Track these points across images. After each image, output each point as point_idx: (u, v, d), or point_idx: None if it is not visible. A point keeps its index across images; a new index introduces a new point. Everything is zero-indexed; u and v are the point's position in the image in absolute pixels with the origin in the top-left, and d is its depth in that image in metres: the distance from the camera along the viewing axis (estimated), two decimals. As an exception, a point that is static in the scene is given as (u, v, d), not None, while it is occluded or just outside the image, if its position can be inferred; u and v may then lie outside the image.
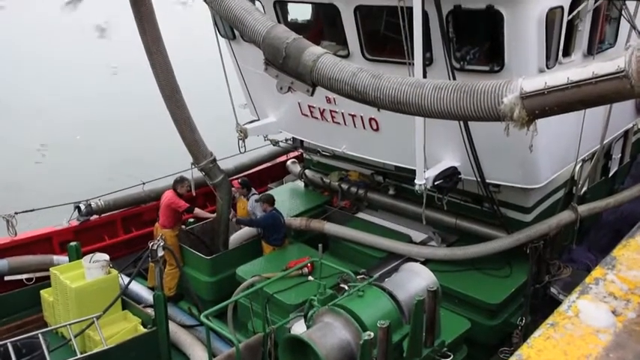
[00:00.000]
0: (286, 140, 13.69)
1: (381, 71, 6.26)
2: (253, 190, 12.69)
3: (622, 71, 4.20)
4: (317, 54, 6.39)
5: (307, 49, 6.46)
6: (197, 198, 13.37)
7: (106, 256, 10.18)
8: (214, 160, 11.60)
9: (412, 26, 8.17)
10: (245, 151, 12.59)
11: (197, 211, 12.42)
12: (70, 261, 10.78)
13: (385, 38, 9.62)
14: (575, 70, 4.59)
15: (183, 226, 12.42)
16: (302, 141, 13.05)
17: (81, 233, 12.86)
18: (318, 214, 12.87)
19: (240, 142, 12.07)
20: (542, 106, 4.62)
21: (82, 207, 12.94)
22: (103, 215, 13.27)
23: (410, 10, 8.16)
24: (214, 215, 12.46)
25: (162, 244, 9.27)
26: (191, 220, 12.82)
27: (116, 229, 13.60)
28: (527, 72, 8.16)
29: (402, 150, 9.87)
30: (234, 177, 14.02)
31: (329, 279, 9.33)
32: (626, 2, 9.83)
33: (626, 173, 13.72)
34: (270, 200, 11.69)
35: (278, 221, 11.56)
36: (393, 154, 10.62)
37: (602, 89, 4.35)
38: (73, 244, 10.90)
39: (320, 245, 9.24)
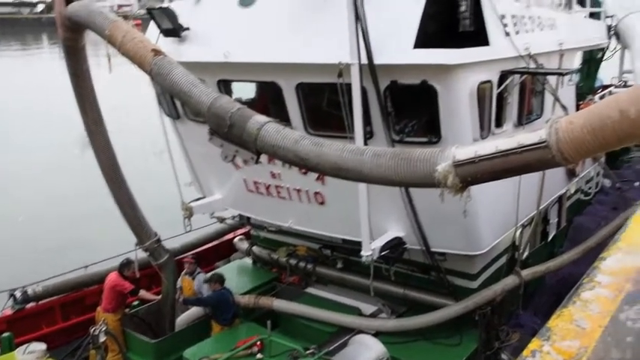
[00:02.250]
0: (233, 217, 13.63)
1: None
2: (199, 269, 12.46)
3: (544, 142, 4.47)
4: (261, 122, 6.52)
5: (252, 117, 6.59)
6: (141, 279, 12.99)
7: (43, 346, 9.65)
8: (159, 240, 11.40)
9: (352, 102, 8.51)
10: (191, 230, 12.42)
11: (142, 292, 12.03)
12: (1, 354, 10.14)
13: (327, 113, 9.92)
14: (503, 140, 4.85)
15: (127, 310, 11.97)
16: (249, 217, 13.01)
17: (15, 323, 12.16)
18: (267, 291, 12.69)
19: (186, 220, 11.94)
20: (473, 173, 4.83)
21: (18, 294, 12.31)
22: (40, 302, 12.66)
23: (349, 86, 8.52)
24: (159, 297, 12.10)
25: (104, 329, 8.91)
26: (135, 302, 12.40)
27: (55, 317, 12.96)
28: (462, 142, 8.47)
29: (347, 223, 9.97)
30: (181, 256, 13.75)
31: (279, 356, 9.10)
32: (547, 77, 10.54)
33: (564, 237, 14.22)
34: (221, 279, 11.52)
35: (227, 300, 11.32)
36: (340, 227, 10.71)
37: (527, 158, 4.60)
38: (5, 335, 10.30)
39: (268, 322, 9.07)
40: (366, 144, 8.59)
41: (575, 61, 16.12)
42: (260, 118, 6.64)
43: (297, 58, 9.12)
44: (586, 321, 3.66)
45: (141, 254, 11.54)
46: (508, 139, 4.83)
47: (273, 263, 13.35)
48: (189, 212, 11.82)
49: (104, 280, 11.96)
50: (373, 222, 9.10)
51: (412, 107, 9.18)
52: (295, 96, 9.82)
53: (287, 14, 9.47)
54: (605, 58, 18.39)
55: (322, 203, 10.51)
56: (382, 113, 8.79)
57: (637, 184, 16.25)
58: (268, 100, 11.33)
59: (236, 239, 14.95)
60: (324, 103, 9.99)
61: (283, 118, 10.36)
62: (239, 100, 11.69)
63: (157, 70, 7.31)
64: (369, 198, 8.87)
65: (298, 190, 10.66)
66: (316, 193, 10.43)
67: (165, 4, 10.75)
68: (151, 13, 10.46)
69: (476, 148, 4.88)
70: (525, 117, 10.62)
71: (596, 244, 11.93)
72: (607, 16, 17.63)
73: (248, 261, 14.23)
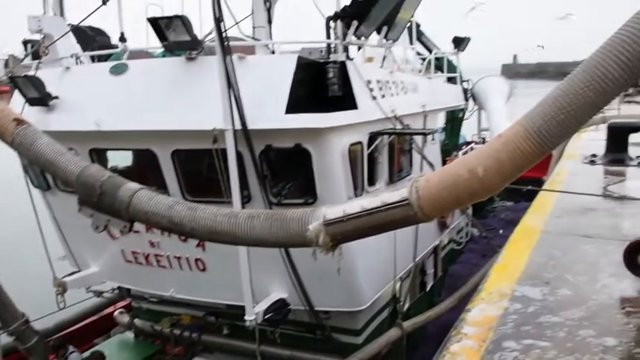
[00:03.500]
0: (112, 290, 12.99)
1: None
2: (71, 348, 11.64)
3: (406, 200, 4.75)
4: (133, 189, 6.37)
5: (123, 185, 6.42)
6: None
7: None
8: (27, 321, 10.55)
9: (228, 167, 8.60)
10: (65, 307, 11.65)
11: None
12: None
13: (205, 179, 9.92)
14: (369, 199, 5.10)
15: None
16: (128, 289, 12.47)
17: None
18: (151, 366, 12.09)
19: (59, 297, 11.21)
20: (343, 232, 5.01)
21: None
22: None
23: (224, 151, 8.63)
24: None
25: None
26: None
27: None
28: (338, 202, 8.83)
29: (230, 287, 9.86)
30: (54, 336, 12.78)
31: None
32: (414, 136, 11.31)
33: (442, 286, 14.92)
34: (101, 357, 10.86)
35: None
36: (223, 293, 10.56)
37: (391, 216, 4.85)
38: None
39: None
40: (243, 208, 8.66)
41: (439, 121, 17.45)
42: (132, 186, 6.50)
43: (171, 125, 9.13)
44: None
45: (7, 338, 10.60)
46: (373, 197, 5.10)
47: (157, 335, 12.80)
48: (62, 288, 11.13)
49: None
50: (256, 285, 9.09)
51: (288, 170, 9.44)
52: (171, 163, 9.75)
53: (160, 81, 9.50)
54: (465, 117, 20.01)
55: (204, 269, 10.34)
56: (258, 177, 8.95)
57: (501, 231, 17.55)
58: (145, 168, 11.15)
59: (116, 313, 14.20)
60: (201, 169, 10.00)
61: (160, 186, 10.23)
62: (114, 169, 11.47)
63: (20, 140, 6.96)
64: (250, 261, 8.88)
65: (179, 258, 10.44)
66: (197, 260, 10.27)
67: (32, 72, 10.37)
68: (15, 82, 10.04)
69: (344, 207, 5.10)
70: (396, 174, 11.25)
71: (470, 290, 12.62)
72: (463, 80, 19.34)
73: (130, 335, 13.53)
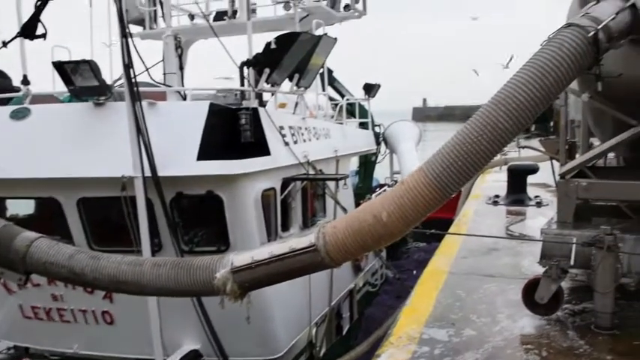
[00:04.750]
0: (7, 349, 12.07)
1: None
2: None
3: (313, 246, 4.81)
4: (30, 238, 6.04)
5: (20, 234, 6.07)
6: None
7: None
8: None
9: (137, 214, 8.36)
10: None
11: None
12: None
13: (112, 227, 9.58)
14: (278, 245, 5.11)
15: None
16: (27, 348, 11.63)
17: None
18: None
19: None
20: (251, 279, 4.98)
21: None
22: None
23: (134, 199, 8.39)
24: None
25: None
26: None
27: None
28: (251, 249, 8.78)
29: (140, 340, 9.43)
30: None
31: None
32: (327, 182, 11.50)
33: (358, 330, 14.97)
34: None
35: None
36: (132, 347, 10.05)
37: (300, 262, 4.89)
38: None
39: None
40: (154, 257, 8.40)
41: (352, 165, 17.85)
42: (30, 235, 6.17)
43: (77, 172, 8.79)
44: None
45: None
46: (282, 244, 5.11)
47: (60, 396, 11.94)
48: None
49: None
50: (167, 337, 8.76)
51: (200, 217, 9.30)
52: (77, 211, 9.36)
53: (65, 127, 9.17)
54: (378, 161, 20.58)
55: (111, 322, 9.86)
56: (169, 225, 8.74)
57: (415, 272, 17.95)
58: (48, 216, 10.62)
59: (12, 376, 13.16)
60: (109, 217, 9.65)
61: (65, 235, 9.76)
62: (14, 218, 10.86)
63: None
64: (161, 311, 8.59)
65: (84, 311, 9.91)
66: (104, 312, 9.79)
67: None
68: None
69: (253, 253, 5.08)
70: (310, 219, 11.34)
71: (384, 333, 12.74)
72: (375, 125, 19.97)
73: (29, 398, 12.55)
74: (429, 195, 4.50)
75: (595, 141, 7.41)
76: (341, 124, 15.35)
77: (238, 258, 5.05)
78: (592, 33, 4.49)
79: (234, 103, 10.37)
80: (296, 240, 5.07)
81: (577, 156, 7.14)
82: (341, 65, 22.35)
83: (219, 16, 14.84)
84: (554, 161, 7.62)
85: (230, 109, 9.43)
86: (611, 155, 8.36)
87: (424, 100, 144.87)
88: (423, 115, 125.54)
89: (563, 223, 6.19)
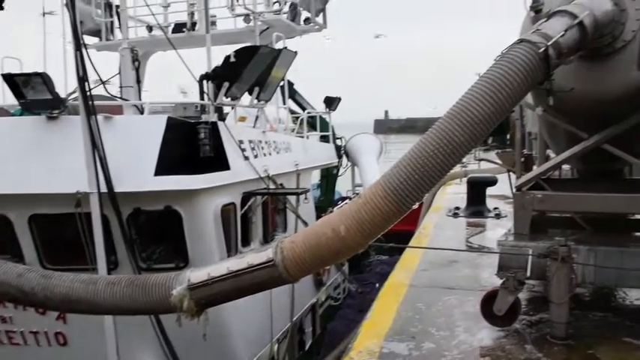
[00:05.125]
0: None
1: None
2: None
3: (271, 261, 4.75)
4: (-26, 257, 5.83)
5: None
6: None
7: None
8: None
9: (92, 231, 8.14)
10: None
11: None
12: None
13: (66, 245, 9.29)
14: (235, 260, 5.04)
15: None
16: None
17: None
18: None
19: None
20: (208, 296, 4.90)
21: None
22: None
23: (89, 215, 8.17)
24: None
25: None
26: None
27: None
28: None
29: (95, 361, 9.18)
30: None
31: None
32: (288, 196, 11.44)
33: (320, 345, 14.87)
34: None
35: None
36: (87, 368, 9.77)
37: (257, 277, 4.82)
38: None
39: None
40: (110, 274, 8.18)
41: (314, 178, 17.84)
42: (-25, 254, 5.96)
43: (28, 188, 8.51)
44: None
45: None
46: (239, 259, 5.04)
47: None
48: None
49: None
50: (123, 357, 8.53)
51: (158, 233, 9.12)
52: (28, 229, 9.05)
53: (16, 141, 8.89)
54: (340, 174, 20.62)
55: (64, 344, 9.52)
56: (126, 242, 8.54)
57: (377, 285, 17.98)
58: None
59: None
60: (63, 235, 9.37)
61: (16, 254, 9.43)
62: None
63: None
64: (117, 330, 8.36)
65: (35, 333, 9.54)
66: (57, 334, 9.44)
67: None
68: None
69: (209, 269, 4.99)
70: (271, 234, 11.24)
71: (346, 347, 12.68)
72: (337, 138, 20.04)
73: None
74: (387, 208, 4.50)
75: (552, 153, 7.56)
76: (302, 137, 15.33)
77: (195, 274, 4.96)
78: (542, 49, 4.59)
79: (195, 116, 10.25)
80: (253, 255, 5.01)
81: (535, 168, 7.28)
82: (302, 78, 22.40)
83: (178, 27, 14.71)
84: (511, 173, 7.74)
85: (188, 123, 9.32)
86: (568, 167, 8.56)
87: (386, 113, 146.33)
88: (385, 127, 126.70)
89: (519, 234, 6.28)
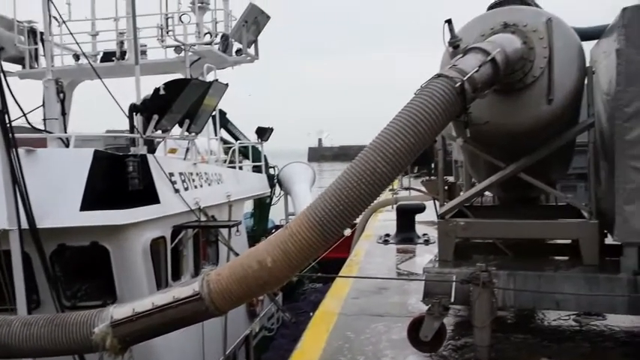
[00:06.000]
0: None
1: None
2: None
3: (197, 294, 4.71)
4: None
5: None
6: None
7: None
8: None
9: (12, 269, 7.80)
10: None
11: None
12: None
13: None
14: (160, 295, 4.97)
15: None
16: None
17: None
18: None
19: None
20: (132, 332, 4.79)
21: None
22: None
23: (8, 253, 7.84)
24: None
25: None
26: None
27: None
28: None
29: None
30: None
31: None
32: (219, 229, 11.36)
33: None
34: None
35: None
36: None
37: (183, 312, 4.76)
38: None
39: None
40: (31, 314, 7.83)
41: (246, 208, 17.77)
42: None
43: None
44: None
45: None
46: (164, 293, 4.97)
47: None
48: None
49: None
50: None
51: (84, 269, 8.85)
52: (-58, 268, 8.57)
53: None
54: (273, 202, 20.66)
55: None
56: (48, 279, 8.22)
57: (311, 314, 17.93)
58: None
59: None
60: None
61: None
62: None
63: None
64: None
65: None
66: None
67: None
68: None
69: (134, 305, 4.89)
70: (202, 266, 11.08)
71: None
72: (270, 167, 20.13)
73: None
74: (313, 239, 4.57)
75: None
76: (234, 167, 15.30)
77: (118, 311, 4.85)
78: (459, 84, 4.84)
79: (126, 146, 10.07)
80: (179, 289, 4.94)
81: (461, 194, 7.56)
82: (235, 107, 22.44)
83: (108, 56, 14.49)
84: (436, 201, 7.99)
85: (117, 155, 9.16)
86: (490, 194, 8.93)
87: (319, 140, 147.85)
88: (319, 155, 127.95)
89: (444, 261, 6.49)
